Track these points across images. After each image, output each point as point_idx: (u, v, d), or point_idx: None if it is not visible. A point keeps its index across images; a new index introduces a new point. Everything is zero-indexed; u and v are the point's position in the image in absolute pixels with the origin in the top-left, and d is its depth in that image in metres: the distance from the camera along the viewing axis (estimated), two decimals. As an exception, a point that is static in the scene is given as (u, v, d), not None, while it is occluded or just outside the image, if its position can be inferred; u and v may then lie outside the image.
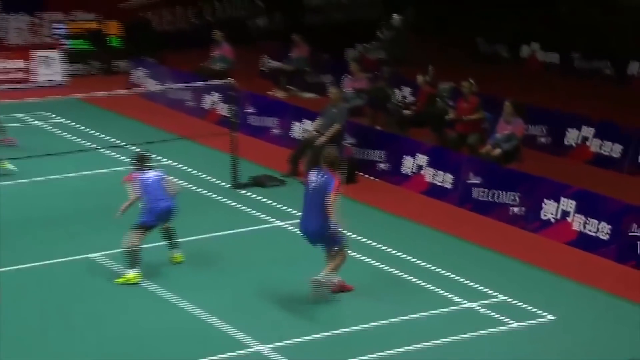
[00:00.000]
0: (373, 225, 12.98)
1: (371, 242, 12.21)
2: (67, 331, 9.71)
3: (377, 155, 15.36)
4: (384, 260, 11.61)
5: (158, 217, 10.94)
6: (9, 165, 14.55)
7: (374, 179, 15.22)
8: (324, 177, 10.16)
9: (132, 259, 10.80)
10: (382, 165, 15.26)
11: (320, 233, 10.16)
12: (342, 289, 10.52)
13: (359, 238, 12.15)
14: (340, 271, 10.43)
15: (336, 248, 10.28)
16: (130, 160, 11.50)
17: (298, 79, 21.00)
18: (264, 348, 9.30)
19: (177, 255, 11.41)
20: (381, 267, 11.45)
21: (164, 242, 11.34)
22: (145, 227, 10.90)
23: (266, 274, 11.15)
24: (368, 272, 11.33)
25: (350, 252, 10.75)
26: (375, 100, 17.66)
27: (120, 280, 10.80)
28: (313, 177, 10.30)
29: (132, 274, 10.76)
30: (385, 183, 15.01)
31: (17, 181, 14.47)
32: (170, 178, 11.27)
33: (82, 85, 20.22)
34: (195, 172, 15.18)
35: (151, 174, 11.01)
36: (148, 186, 10.87)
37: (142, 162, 11.12)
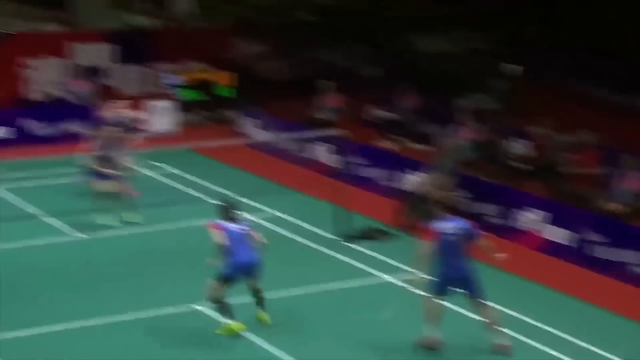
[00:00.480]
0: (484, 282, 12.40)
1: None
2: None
3: (488, 208, 14.73)
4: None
5: (238, 271, 10.42)
6: (135, 218, 14.56)
7: (488, 232, 14.59)
8: (460, 224, 10.10)
9: (222, 310, 10.40)
10: (493, 219, 14.62)
11: (470, 277, 10.09)
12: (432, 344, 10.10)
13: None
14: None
15: (481, 300, 10.14)
16: (218, 204, 10.95)
17: (406, 129, 20.56)
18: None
19: (263, 315, 10.76)
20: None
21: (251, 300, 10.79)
22: (224, 280, 10.40)
23: (373, 329, 10.67)
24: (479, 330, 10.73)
25: (459, 310, 10.21)
26: (487, 152, 17.07)
27: (220, 330, 10.46)
28: (447, 225, 10.05)
29: (232, 324, 10.37)
30: (496, 237, 14.36)
31: (124, 233, 14.41)
32: (256, 233, 10.69)
33: (192, 134, 20.30)
34: (301, 222, 14.89)
35: (237, 226, 10.50)
36: (232, 238, 10.38)
37: (229, 210, 10.60)
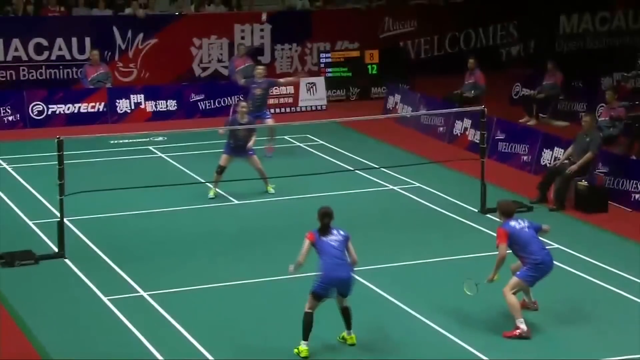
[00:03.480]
0: (627, 257, 11.87)
1: (625, 274, 11.20)
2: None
3: (632, 185, 14.04)
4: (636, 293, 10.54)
5: (330, 285, 9.19)
6: (270, 189, 14.67)
7: (628, 209, 13.95)
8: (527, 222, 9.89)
9: (304, 328, 9.22)
10: (637, 196, 13.92)
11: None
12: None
13: (611, 269, 11.28)
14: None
15: None
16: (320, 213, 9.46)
17: (550, 107, 19.88)
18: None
19: (350, 337, 9.48)
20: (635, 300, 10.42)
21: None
22: (315, 296, 9.25)
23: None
24: (620, 304, 10.28)
25: (600, 283, 9.88)
26: (632, 129, 16.26)
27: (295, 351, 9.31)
28: (519, 223, 9.86)
29: (302, 347, 9.23)
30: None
31: (279, 198, 14.61)
32: (352, 247, 9.42)
33: (341, 109, 20.34)
34: (444, 195, 14.68)
35: (333, 237, 9.24)
36: (323, 249, 9.20)
37: (326, 219, 9.28)
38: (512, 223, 9.80)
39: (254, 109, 16.31)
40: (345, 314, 9.40)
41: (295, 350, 9.26)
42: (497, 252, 9.85)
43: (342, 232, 9.37)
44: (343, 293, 9.29)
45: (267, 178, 14.62)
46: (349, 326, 9.43)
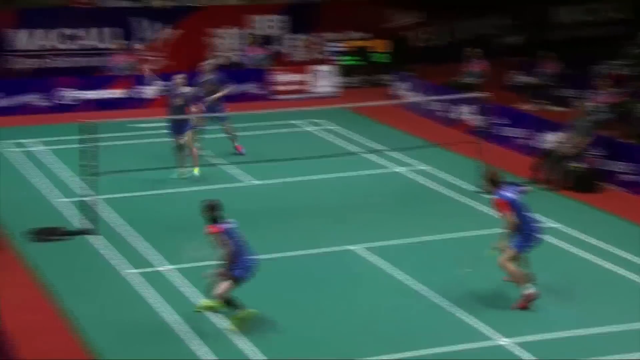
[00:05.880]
0: (620, 235, 11.96)
1: (618, 251, 11.27)
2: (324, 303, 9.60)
3: (621, 166, 14.06)
4: (630, 268, 10.62)
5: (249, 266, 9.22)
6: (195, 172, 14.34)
7: (620, 189, 14.00)
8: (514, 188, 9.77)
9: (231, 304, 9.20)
10: (627, 177, 13.94)
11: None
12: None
13: (605, 247, 11.31)
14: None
15: None
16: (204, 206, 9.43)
17: (544, 93, 19.85)
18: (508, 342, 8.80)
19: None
20: (629, 276, 10.48)
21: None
22: (236, 280, 9.17)
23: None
24: (615, 280, 10.35)
25: (594, 261, 9.82)
26: (621, 114, 16.24)
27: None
28: (510, 192, 9.67)
29: (240, 314, 9.27)
30: (631, 194, 13.74)
31: (293, 179, 14.67)
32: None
33: (350, 96, 20.33)
34: (445, 175, 14.72)
35: (230, 224, 9.22)
36: (234, 234, 9.15)
37: (212, 211, 9.21)
38: (506, 193, 9.59)
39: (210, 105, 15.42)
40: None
41: (236, 318, 9.14)
42: (496, 229, 9.86)
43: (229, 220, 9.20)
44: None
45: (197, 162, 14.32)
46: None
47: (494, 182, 9.71)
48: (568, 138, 14.18)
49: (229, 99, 16.50)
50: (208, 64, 16.16)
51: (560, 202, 13.51)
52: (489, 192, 9.75)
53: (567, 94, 19.58)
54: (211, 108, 15.42)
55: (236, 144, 15.88)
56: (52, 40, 20.93)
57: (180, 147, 14.42)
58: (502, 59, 23.68)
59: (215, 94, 15.61)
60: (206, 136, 16.11)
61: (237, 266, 9.16)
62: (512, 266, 9.55)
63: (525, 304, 9.54)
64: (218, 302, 9.32)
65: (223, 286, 9.20)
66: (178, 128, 14.42)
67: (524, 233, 9.50)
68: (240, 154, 15.67)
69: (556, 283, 10.45)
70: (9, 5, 21.13)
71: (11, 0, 21.33)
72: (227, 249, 9.13)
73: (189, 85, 14.88)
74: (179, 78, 14.62)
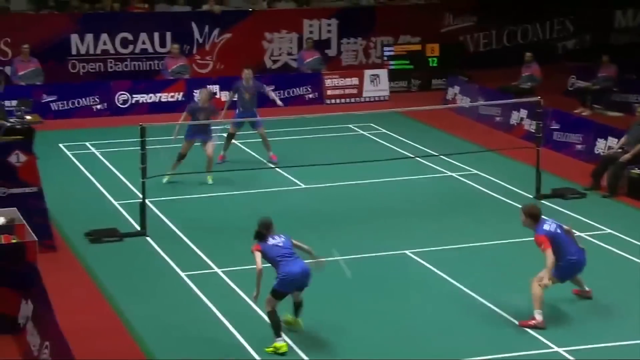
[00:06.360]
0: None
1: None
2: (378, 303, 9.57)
3: (683, 174, 13.70)
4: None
5: (290, 281, 9.00)
6: (210, 179, 14.25)
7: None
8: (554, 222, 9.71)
9: (274, 327, 8.97)
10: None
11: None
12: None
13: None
14: None
15: None
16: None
17: (604, 98, 19.47)
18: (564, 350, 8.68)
19: (296, 321, 9.39)
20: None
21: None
22: (276, 294, 9.02)
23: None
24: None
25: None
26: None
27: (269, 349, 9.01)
28: (549, 225, 9.56)
29: (278, 343, 8.96)
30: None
31: (344, 183, 14.64)
32: (297, 242, 9.29)
33: (404, 100, 20.25)
34: (500, 182, 14.52)
35: (274, 241, 9.07)
36: (273, 252, 8.99)
37: (265, 230, 9.11)
38: (545, 227, 9.45)
39: (243, 110, 15.57)
40: (298, 306, 9.26)
41: (270, 349, 8.91)
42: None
43: (281, 235, 9.17)
44: (301, 286, 9.05)
45: (211, 170, 14.27)
46: (298, 314, 9.30)
47: (533, 217, 9.52)
48: (628, 144, 13.89)
49: (284, 102, 16.65)
50: (248, 70, 15.87)
51: (620, 209, 13.22)
52: (529, 227, 9.60)
53: (628, 99, 19.20)
54: (246, 114, 15.41)
55: (270, 153, 15.66)
56: (110, 44, 21.28)
57: (182, 156, 14.23)
58: (562, 64, 23.37)
59: (253, 101, 15.58)
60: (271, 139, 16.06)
61: (278, 279, 9.04)
62: (539, 289, 9.39)
63: (529, 325, 9.37)
64: (290, 318, 9.32)
65: (266, 301, 9.06)
66: (206, 134, 14.35)
67: (563, 263, 9.44)
68: (274, 163, 15.49)
69: (612, 291, 10.22)
70: (70, 10, 21.59)
71: (72, 5, 21.80)
72: (273, 264, 9.03)
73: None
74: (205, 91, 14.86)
